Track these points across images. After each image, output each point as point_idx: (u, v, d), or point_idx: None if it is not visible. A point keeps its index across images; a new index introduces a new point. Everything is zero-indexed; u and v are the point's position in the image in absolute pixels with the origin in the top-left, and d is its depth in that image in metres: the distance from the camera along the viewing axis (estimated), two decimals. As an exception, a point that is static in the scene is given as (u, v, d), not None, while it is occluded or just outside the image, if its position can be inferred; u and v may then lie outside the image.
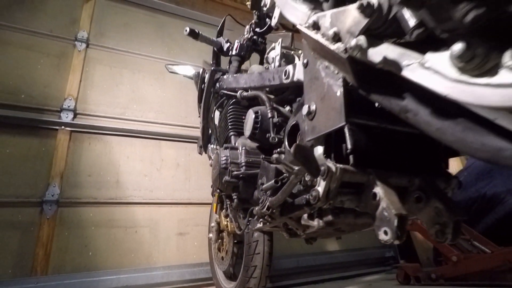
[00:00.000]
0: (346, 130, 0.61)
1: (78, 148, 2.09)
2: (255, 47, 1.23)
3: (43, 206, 1.85)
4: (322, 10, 0.56)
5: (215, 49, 1.44)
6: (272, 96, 0.93)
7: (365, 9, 0.40)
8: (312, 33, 0.50)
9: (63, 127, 2.06)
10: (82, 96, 2.24)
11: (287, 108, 0.86)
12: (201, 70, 1.49)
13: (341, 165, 0.57)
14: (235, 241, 1.55)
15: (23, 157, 1.92)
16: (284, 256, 2.37)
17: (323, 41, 0.48)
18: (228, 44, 1.41)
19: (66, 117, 2.10)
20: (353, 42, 0.41)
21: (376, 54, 0.42)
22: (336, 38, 0.47)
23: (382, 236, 0.54)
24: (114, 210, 2.04)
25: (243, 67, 1.42)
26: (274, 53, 0.90)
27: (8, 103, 1.98)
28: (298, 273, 2.37)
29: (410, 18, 0.35)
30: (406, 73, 0.39)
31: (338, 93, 0.53)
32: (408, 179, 0.64)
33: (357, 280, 2.30)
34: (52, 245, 1.80)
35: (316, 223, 0.75)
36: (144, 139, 2.32)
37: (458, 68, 0.32)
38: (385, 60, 0.41)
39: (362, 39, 0.41)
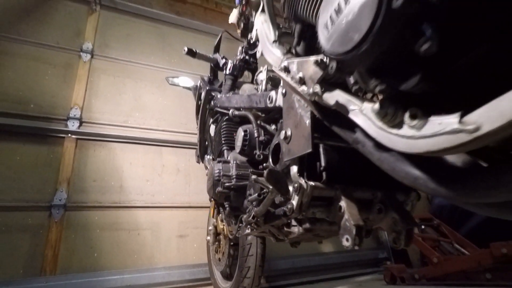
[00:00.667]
0: (320, 150, 0.72)
1: (84, 154, 2.21)
2: (247, 66, 1.34)
3: (51, 210, 1.97)
4: (295, 52, 0.67)
5: (212, 65, 1.55)
6: (262, 114, 1.04)
7: (320, 64, 0.51)
8: (284, 75, 0.61)
9: (69, 135, 2.18)
10: (87, 105, 2.36)
11: (273, 126, 0.97)
12: (199, 83, 1.60)
13: (311, 183, 0.68)
14: (231, 243, 1.65)
15: (33, 164, 2.04)
16: (280, 257, 2.47)
17: (292, 83, 0.59)
18: (224, 60, 1.52)
19: (72, 126, 2.22)
20: (311, 90, 0.52)
21: (330, 98, 0.53)
22: (302, 81, 0.58)
23: (344, 242, 0.65)
24: (118, 214, 2.16)
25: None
26: (262, 76, 1.01)
27: (18, 113, 2.10)
28: (293, 274, 2.47)
29: (349, 77, 0.46)
30: (351, 115, 0.50)
31: (307, 123, 0.64)
32: (371, 193, 0.74)
33: (350, 281, 2.40)
34: (60, 246, 1.92)
35: (296, 229, 0.86)
36: (146, 145, 2.44)
37: (380, 119, 0.43)
38: (337, 103, 0.52)
39: (317, 88, 0.52)
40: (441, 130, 0.34)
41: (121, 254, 2.06)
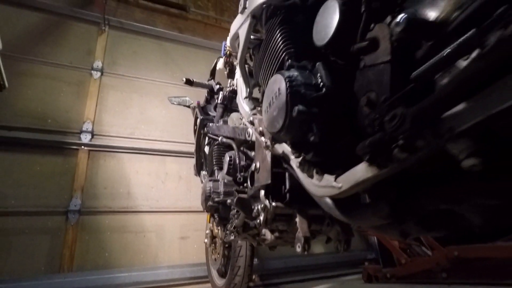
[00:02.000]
0: (286, 176, 0.94)
1: (95, 164, 2.46)
2: (236, 96, 1.55)
3: (67, 215, 2.22)
4: (261, 106, 0.90)
5: (208, 90, 1.78)
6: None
7: (270, 126, 0.73)
8: (250, 127, 0.83)
9: (83, 147, 2.43)
10: (98, 119, 2.61)
11: (253, 153, 1.19)
12: (196, 106, 1.83)
13: (274, 203, 0.90)
14: (225, 245, 1.88)
15: (51, 174, 2.29)
16: (273, 258, 2.68)
17: (255, 134, 0.81)
18: (218, 86, 1.74)
19: (85, 138, 2.47)
20: (263, 143, 0.75)
21: (279, 148, 0.75)
22: (262, 134, 0.80)
23: (297, 249, 0.87)
24: (126, 218, 2.40)
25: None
26: (245, 110, 1.23)
27: (37, 128, 2.35)
28: (285, 273, 2.68)
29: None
30: (291, 162, 0.72)
31: (269, 161, 0.86)
32: (322, 211, 0.96)
33: (335, 280, 2.61)
34: (76, 247, 2.17)
35: (269, 237, 1.09)
36: (151, 155, 2.68)
37: (301, 171, 0.65)
38: (283, 153, 0.75)
39: (269, 142, 0.74)
40: (327, 184, 0.57)
41: (129, 254, 2.31)
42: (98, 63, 2.78)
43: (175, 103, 2.08)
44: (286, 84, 0.54)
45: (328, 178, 0.56)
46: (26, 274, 1.99)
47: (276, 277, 2.63)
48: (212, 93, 1.78)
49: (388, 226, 0.57)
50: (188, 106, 2.14)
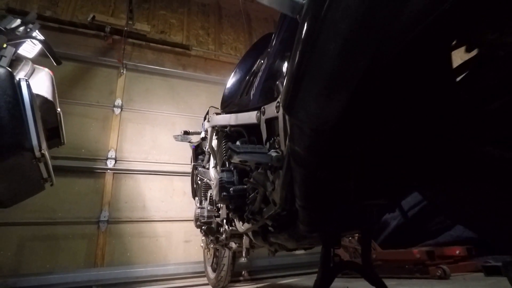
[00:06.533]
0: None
1: (118, 184, 3.15)
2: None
3: (99, 224, 2.92)
4: (222, 171, 1.53)
5: (201, 136, 2.42)
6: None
7: (222, 190, 1.37)
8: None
9: (108, 170, 3.13)
10: (119, 147, 3.29)
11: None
12: (193, 146, 2.47)
13: (230, 228, 1.53)
14: (216, 248, 2.52)
15: (85, 192, 3.00)
16: (259, 257, 3.30)
17: (217, 190, 1.45)
18: (209, 132, 2.38)
19: (110, 164, 3.16)
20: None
21: (227, 201, 1.39)
22: (220, 191, 1.44)
23: (244, 254, 1.51)
24: (142, 226, 3.09)
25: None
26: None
27: (74, 156, 3.06)
28: (270, 270, 3.31)
29: (227, 199, 1.32)
30: (232, 210, 1.36)
31: (225, 207, 1.49)
32: (262, 231, 1.59)
33: (309, 276, 3.21)
34: (106, 248, 2.87)
35: (233, 246, 1.73)
36: (161, 175, 3.36)
37: (234, 218, 1.28)
38: (229, 203, 1.38)
39: (221, 198, 1.38)
40: (239, 227, 1.20)
41: (145, 254, 3.00)
42: (118, 101, 3.47)
43: (178, 140, 2.73)
44: (218, 182, 1.17)
45: (240, 223, 1.20)
46: (71, 268, 2.70)
47: (262, 273, 3.25)
48: (205, 136, 2.42)
49: (268, 246, 1.20)
50: (189, 142, 2.78)
